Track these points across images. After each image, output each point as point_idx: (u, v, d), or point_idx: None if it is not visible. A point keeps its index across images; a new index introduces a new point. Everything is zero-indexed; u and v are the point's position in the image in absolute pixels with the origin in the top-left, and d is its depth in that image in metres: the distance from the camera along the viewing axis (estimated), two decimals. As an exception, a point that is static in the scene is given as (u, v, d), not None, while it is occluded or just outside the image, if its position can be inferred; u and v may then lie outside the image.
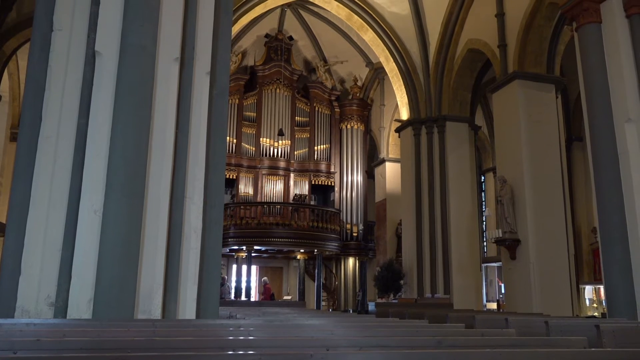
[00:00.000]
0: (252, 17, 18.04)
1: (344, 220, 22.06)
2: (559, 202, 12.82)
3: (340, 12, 18.03)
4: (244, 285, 19.60)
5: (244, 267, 19.82)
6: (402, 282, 16.91)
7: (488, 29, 14.47)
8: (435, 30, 16.58)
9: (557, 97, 13.50)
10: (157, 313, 4.61)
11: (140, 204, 4.63)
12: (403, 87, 17.48)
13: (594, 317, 14.07)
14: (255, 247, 19.52)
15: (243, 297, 18.90)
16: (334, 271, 23.85)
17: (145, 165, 4.72)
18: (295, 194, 21.92)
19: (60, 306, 4.44)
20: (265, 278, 19.21)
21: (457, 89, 16.56)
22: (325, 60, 23.38)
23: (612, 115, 8.47)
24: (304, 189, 22.40)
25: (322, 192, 23.67)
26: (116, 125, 4.64)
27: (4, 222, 5.32)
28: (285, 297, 20.92)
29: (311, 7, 20.37)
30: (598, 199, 8.56)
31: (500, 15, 13.92)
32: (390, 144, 22.11)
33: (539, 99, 13.20)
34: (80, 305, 4.36)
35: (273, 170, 22.03)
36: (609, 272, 8.26)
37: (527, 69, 13.25)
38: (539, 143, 12.90)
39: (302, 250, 20.29)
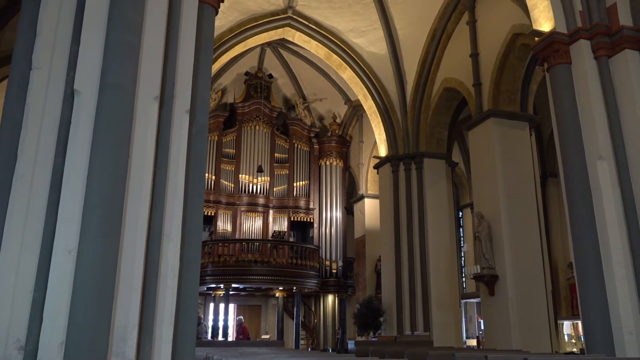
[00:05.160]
0: (233, 56, 18.23)
1: (323, 257, 21.93)
2: (536, 238, 12.95)
3: (319, 51, 18.33)
4: (221, 324, 19.22)
5: (222, 306, 19.48)
6: (381, 319, 16.77)
7: (463, 69, 14.83)
8: (412, 69, 16.95)
9: (531, 135, 13.79)
10: (131, 355, 4.49)
11: (116, 242, 4.55)
12: (381, 124, 17.72)
13: (573, 353, 14.09)
14: (233, 285, 19.26)
15: (220, 337, 18.51)
16: (313, 309, 23.59)
17: (122, 204, 4.66)
18: (274, 231, 21.78)
19: (30, 350, 4.29)
20: (240, 317, 18.84)
21: (434, 126, 16.83)
22: (304, 98, 23.64)
23: (584, 153, 8.66)
24: (283, 225, 22.29)
25: (301, 228, 23.58)
26: (93, 164, 4.59)
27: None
28: (263, 336, 20.54)
29: (291, 46, 20.67)
30: (573, 234, 8.65)
31: (475, 56, 14.30)
32: (369, 181, 22.24)
33: (513, 136, 13.46)
34: (52, 349, 4.22)
35: (252, 207, 21.93)
36: (585, 307, 8.29)
37: (501, 107, 13.56)
38: (514, 179, 13.09)
39: (280, 288, 20.04)
